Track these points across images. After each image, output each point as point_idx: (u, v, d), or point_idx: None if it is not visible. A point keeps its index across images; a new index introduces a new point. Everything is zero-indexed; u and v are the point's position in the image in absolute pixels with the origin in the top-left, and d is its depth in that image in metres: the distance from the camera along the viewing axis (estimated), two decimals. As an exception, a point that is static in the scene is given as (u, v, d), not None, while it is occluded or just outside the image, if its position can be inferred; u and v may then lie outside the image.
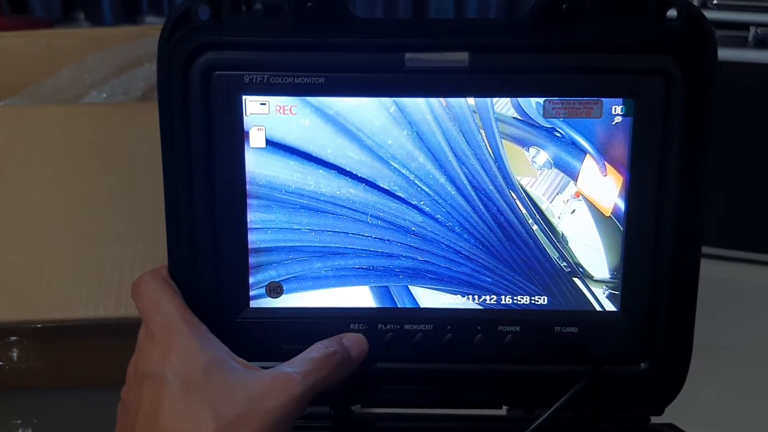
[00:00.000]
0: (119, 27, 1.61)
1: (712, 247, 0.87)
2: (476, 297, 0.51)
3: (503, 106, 0.48)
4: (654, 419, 0.52)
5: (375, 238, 0.50)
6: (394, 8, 1.66)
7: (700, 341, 0.51)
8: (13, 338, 0.67)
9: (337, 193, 0.49)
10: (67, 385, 0.71)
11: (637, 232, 0.49)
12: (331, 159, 0.49)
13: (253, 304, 0.51)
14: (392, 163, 0.49)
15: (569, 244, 0.50)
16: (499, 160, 0.49)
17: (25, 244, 0.67)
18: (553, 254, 0.50)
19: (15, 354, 0.68)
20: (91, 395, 0.69)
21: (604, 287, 0.50)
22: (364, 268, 0.50)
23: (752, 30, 0.91)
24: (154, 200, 0.64)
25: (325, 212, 0.50)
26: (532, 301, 0.51)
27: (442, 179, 0.49)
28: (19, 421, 0.69)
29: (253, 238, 0.50)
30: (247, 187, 0.49)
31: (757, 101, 0.90)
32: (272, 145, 0.48)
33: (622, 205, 0.49)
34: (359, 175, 0.49)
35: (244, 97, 0.48)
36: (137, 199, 0.69)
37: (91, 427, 0.67)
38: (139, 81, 0.92)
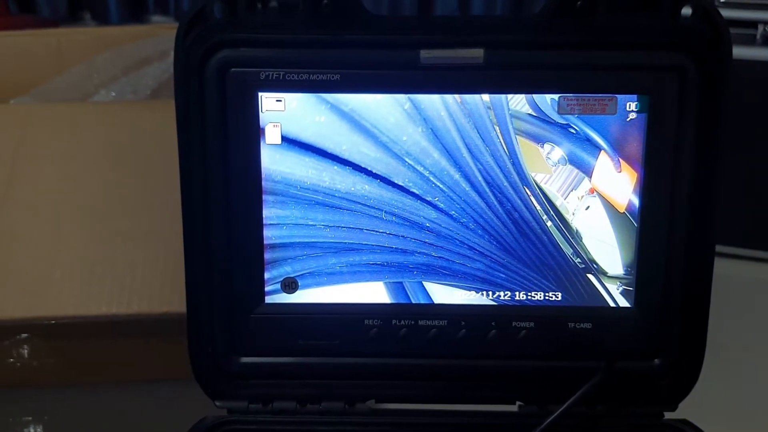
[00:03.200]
0: (128, 26, 1.61)
1: (723, 246, 0.87)
2: (490, 293, 0.51)
3: (518, 102, 0.48)
4: (667, 415, 0.52)
5: (389, 234, 0.50)
6: (399, 5, 1.66)
7: (712, 338, 0.51)
8: (25, 335, 0.67)
9: (352, 189, 0.49)
10: (78, 382, 0.71)
11: (652, 229, 0.49)
12: (346, 155, 0.49)
13: (268, 299, 0.51)
14: (407, 160, 0.49)
15: (583, 241, 0.50)
16: (513, 156, 0.49)
17: (36, 241, 0.67)
18: (567, 250, 0.50)
19: (26, 351, 0.68)
20: (102, 393, 0.69)
21: (618, 283, 0.51)
22: (379, 264, 0.51)
23: (760, 28, 0.91)
24: (166, 198, 0.64)
25: (340, 208, 0.50)
26: (546, 297, 0.51)
27: (457, 176, 0.49)
28: (30, 418, 0.69)
29: (269, 234, 0.50)
30: (263, 183, 0.49)
31: (764, 99, 0.90)
32: (288, 141, 0.49)
33: (636, 201, 0.49)
34: (374, 171, 0.49)
35: (259, 93, 0.48)
36: (148, 197, 0.70)
37: (102, 424, 0.67)
38: (148, 80, 0.92)
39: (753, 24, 0.92)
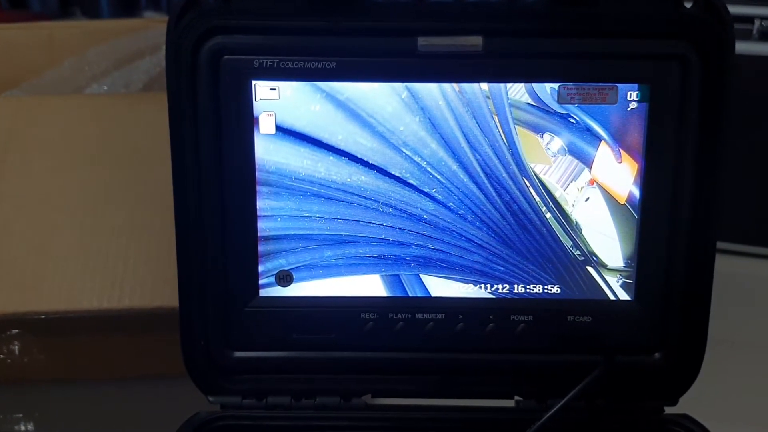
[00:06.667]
0: (120, 19, 1.60)
1: (723, 242, 0.86)
2: (488, 286, 0.50)
3: (517, 91, 0.47)
4: (668, 410, 0.51)
5: (386, 226, 0.49)
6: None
7: (714, 335, 0.50)
8: (15, 331, 0.66)
9: (348, 180, 0.49)
10: (70, 378, 0.70)
11: (652, 220, 0.49)
12: (342, 145, 0.48)
13: (262, 292, 0.50)
14: (404, 150, 0.48)
15: (583, 232, 0.49)
16: (512, 146, 0.48)
17: (27, 235, 0.66)
18: (567, 242, 0.49)
19: (17, 347, 0.67)
20: (94, 389, 0.68)
21: (618, 276, 0.50)
22: (375, 257, 0.50)
23: (757, 23, 0.91)
24: (158, 191, 0.63)
25: (336, 200, 0.49)
26: (545, 290, 0.50)
27: (455, 166, 0.48)
28: (21, 415, 0.69)
29: (263, 226, 0.49)
30: (257, 173, 0.48)
31: (761, 94, 0.90)
32: (282, 131, 0.48)
33: (637, 192, 0.48)
34: (370, 162, 0.48)
35: (253, 82, 0.47)
36: (141, 191, 0.69)
37: (94, 421, 0.66)
38: (141, 74, 0.91)
39: (749, 19, 0.91)
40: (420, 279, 0.50)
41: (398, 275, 0.50)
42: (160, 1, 1.86)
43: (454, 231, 0.49)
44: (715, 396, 0.56)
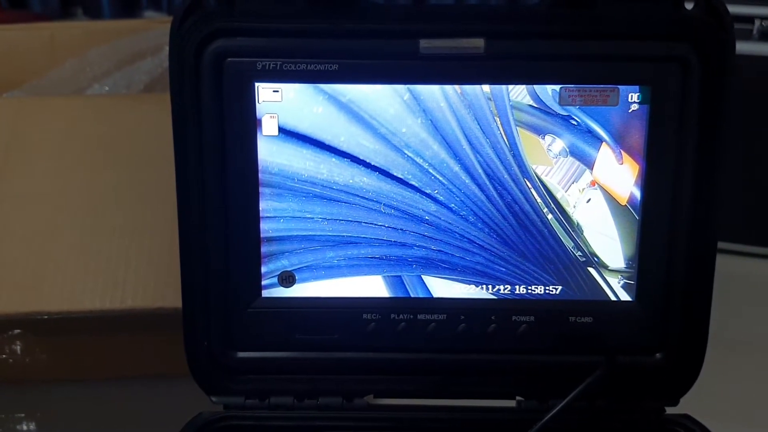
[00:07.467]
0: (122, 20, 1.60)
1: (723, 242, 0.87)
2: (490, 287, 0.50)
3: (519, 93, 0.48)
4: (669, 410, 0.51)
5: (388, 227, 0.50)
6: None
7: (715, 335, 0.50)
8: (17, 331, 0.66)
9: (350, 181, 0.49)
10: (71, 378, 0.70)
11: (653, 221, 0.49)
12: (345, 147, 0.48)
13: (265, 293, 0.50)
14: (406, 152, 0.48)
15: (584, 234, 0.50)
16: (514, 148, 0.48)
17: (29, 236, 0.67)
18: (568, 243, 0.50)
19: (19, 347, 0.67)
20: (95, 389, 0.68)
21: (620, 277, 0.50)
22: (377, 258, 0.50)
23: (757, 23, 0.91)
24: (160, 192, 0.64)
25: (338, 201, 0.49)
26: (547, 291, 0.50)
27: (457, 168, 0.49)
28: (23, 415, 0.69)
29: (266, 227, 0.49)
30: (260, 175, 0.48)
31: (761, 94, 0.90)
32: (285, 132, 0.48)
33: (638, 193, 0.49)
34: (372, 163, 0.49)
35: (256, 84, 0.47)
36: (142, 191, 0.69)
37: (95, 421, 0.67)
38: (142, 74, 0.91)
39: (749, 19, 0.91)
40: (422, 280, 0.50)
41: (400, 276, 0.50)
42: (161, 2, 1.86)
43: (455, 232, 0.50)
44: (715, 396, 0.56)
